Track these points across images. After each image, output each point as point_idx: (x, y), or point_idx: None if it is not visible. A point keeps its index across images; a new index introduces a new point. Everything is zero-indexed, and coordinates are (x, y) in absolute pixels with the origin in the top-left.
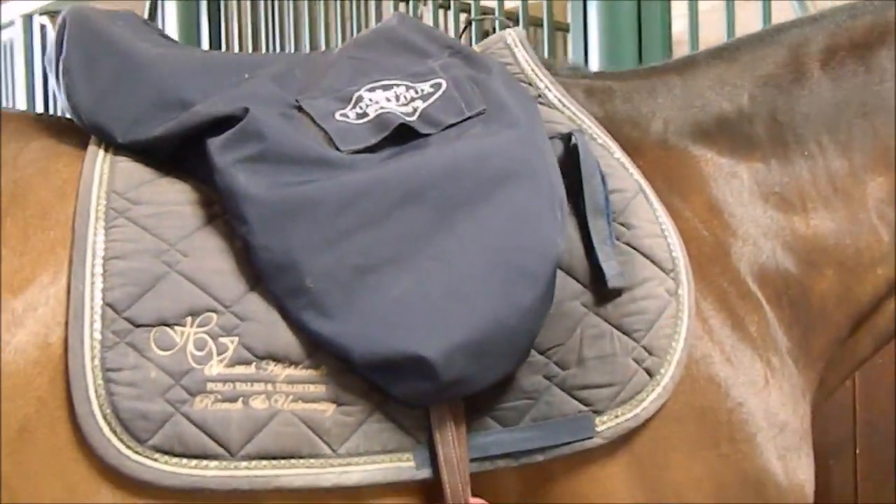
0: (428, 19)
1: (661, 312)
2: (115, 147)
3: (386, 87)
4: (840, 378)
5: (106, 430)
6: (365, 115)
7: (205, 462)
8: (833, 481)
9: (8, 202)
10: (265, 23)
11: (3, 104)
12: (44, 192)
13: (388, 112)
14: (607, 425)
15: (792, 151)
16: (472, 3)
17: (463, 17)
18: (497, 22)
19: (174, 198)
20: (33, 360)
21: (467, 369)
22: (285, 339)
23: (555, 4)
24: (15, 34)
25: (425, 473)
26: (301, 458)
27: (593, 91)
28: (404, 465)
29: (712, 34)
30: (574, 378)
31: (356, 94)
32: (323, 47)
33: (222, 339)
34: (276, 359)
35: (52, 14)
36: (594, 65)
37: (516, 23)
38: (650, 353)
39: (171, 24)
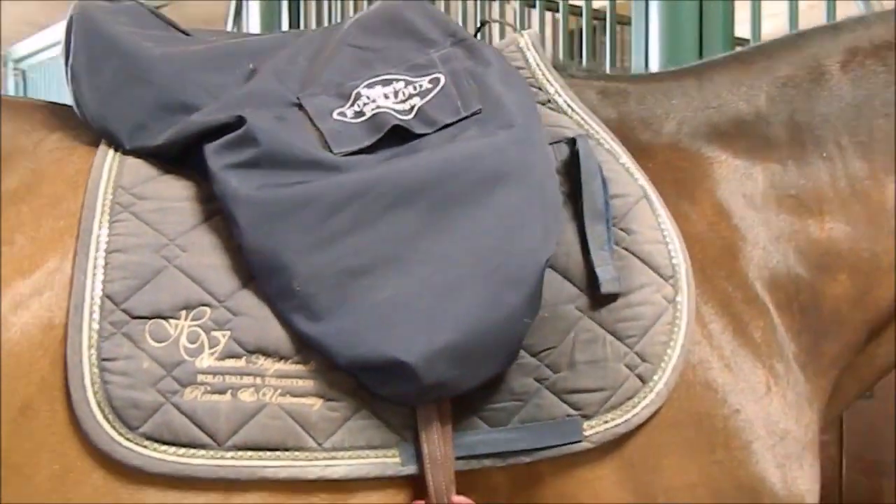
0: (512, 17)
1: (657, 319)
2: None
3: (385, 83)
4: (860, 387)
5: (99, 416)
6: (362, 113)
7: (192, 451)
8: (884, 500)
9: (25, 190)
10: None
11: None
12: (58, 182)
13: (384, 112)
14: (596, 430)
15: (810, 153)
16: (559, 2)
17: (549, 15)
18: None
19: (177, 194)
20: (37, 342)
21: (450, 373)
22: (276, 334)
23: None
24: None
25: (410, 470)
26: (286, 450)
27: (607, 93)
28: (389, 461)
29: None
30: (564, 381)
31: (355, 91)
32: None
33: (214, 333)
34: (266, 353)
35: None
36: (654, 62)
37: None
38: (643, 360)
39: (254, 23)
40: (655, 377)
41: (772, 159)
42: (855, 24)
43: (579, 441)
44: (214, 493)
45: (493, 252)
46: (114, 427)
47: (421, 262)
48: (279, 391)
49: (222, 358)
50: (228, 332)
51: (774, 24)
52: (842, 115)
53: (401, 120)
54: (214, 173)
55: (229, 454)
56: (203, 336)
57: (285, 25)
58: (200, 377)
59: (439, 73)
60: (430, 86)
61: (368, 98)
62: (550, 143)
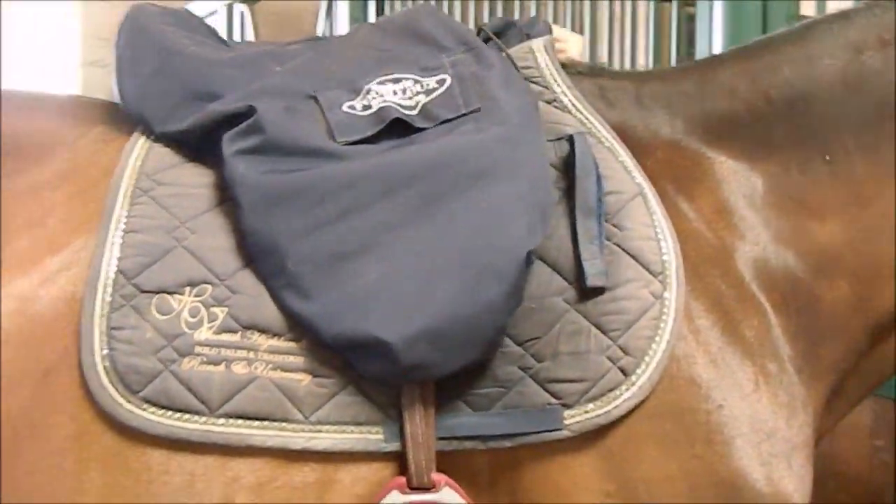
0: (648, 16)
1: (643, 314)
2: (156, 135)
3: (396, 81)
4: (864, 391)
5: (105, 380)
6: (369, 107)
7: (186, 416)
8: None
9: (62, 178)
10: None
11: None
12: (92, 170)
13: (389, 106)
14: (576, 419)
15: (813, 155)
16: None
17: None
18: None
19: (194, 181)
20: (62, 313)
21: (428, 355)
22: (270, 312)
23: None
24: (219, 22)
25: (393, 447)
26: (274, 420)
27: (609, 91)
28: (372, 438)
29: None
30: (547, 371)
31: (367, 87)
32: None
33: (214, 309)
34: (260, 329)
35: (250, 2)
36: (717, 41)
37: None
38: (626, 353)
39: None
40: (638, 371)
41: (774, 160)
42: (864, 15)
43: (559, 429)
44: (211, 458)
45: (475, 243)
46: (117, 390)
47: (406, 250)
48: (271, 366)
49: (219, 332)
50: (226, 309)
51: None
52: (847, 116)
53: (403, 114)
54: (226, 159)
55: (220, 421)
56: (203, 311)
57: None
58: (198, 348)
59: (446, 74)
60: (436, 85)
61: (377, 93)
62: (551, 140)
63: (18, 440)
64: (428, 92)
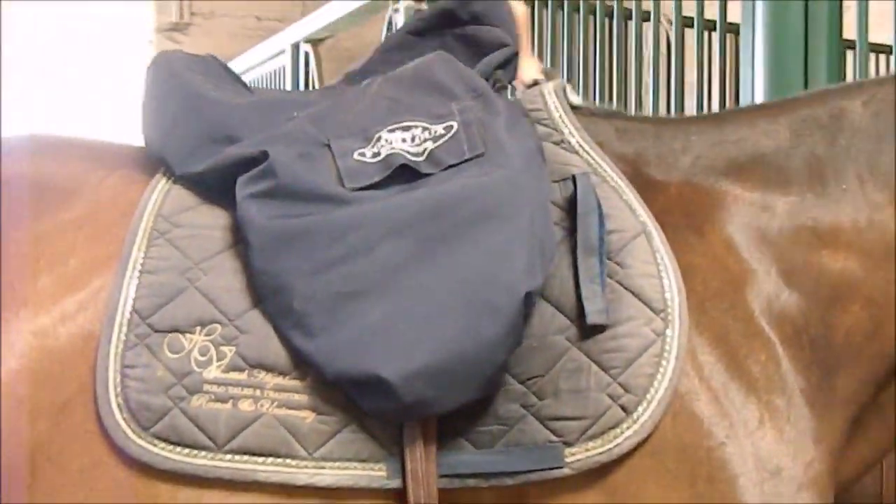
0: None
1: (643, 351)
2: (175, 176)
3: (406, 129)
4: (888, 434)
5: (118, 416)
6: (378, 154)
7: (195, 451)
8: None
9: (84, 219)
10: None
11: None
12: (113, 212)
13: (397, 153)
14: (577, 457)
15: (830, 185)
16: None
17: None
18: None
19: (209, 222)
20: (79, 350)
21: (427, 393)
22: (276, 351)
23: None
24: (285, 61)
25: (395, 483)
26: (279, 457)
27: (626, 130)
28: (375, 474)
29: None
30: (548, 408)
31: (377, 135)
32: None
33: (223, 348)
34: (267, 368)
35: (315, 42)
36: (759, 66)
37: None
38: (627, 391)
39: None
40: (640, 408)
41: (790, 192)
42: (878, 82)
43: (560, 467)
44: (217, 492)
45: (474, 283)
46: (129, 426)
47: (407, 291)
48: (276, 403)
49: (227, 371)
50: (235, 348)
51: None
52: (863, 147)
53: (410, 160)
54: (238, 202)
55: (227, 457)
56: (213, 350)
57: None
58: (206, 386)
59: (454, 121)
60: (443, 132)
61: (387, 141)
62: (557, 181)
63: (36, 471)
64: (436, 139)
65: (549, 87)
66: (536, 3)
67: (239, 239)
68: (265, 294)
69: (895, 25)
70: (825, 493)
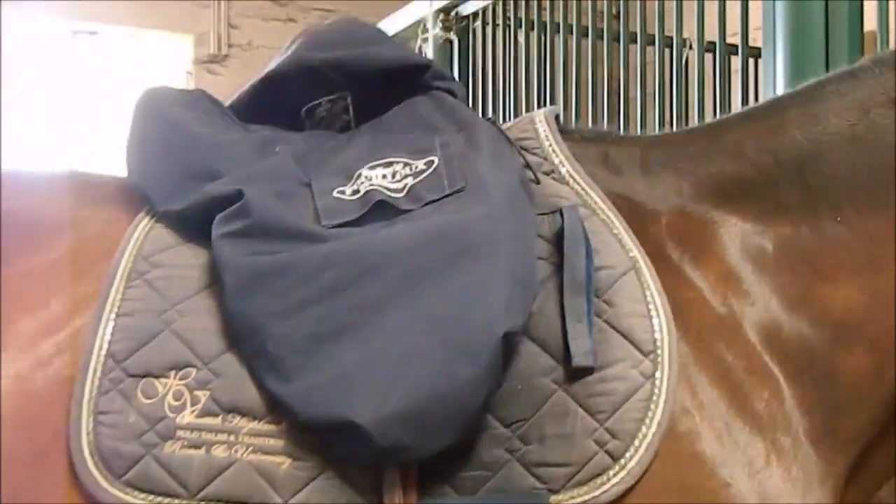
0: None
1: (631, 395)
2: (158, 214)
3: (387, 165)
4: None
5: (90, 463)
6: (357, 191)
7: (167, 500)
8: None
9: (68, 258)
10: (515, 62)
11: None
12: (96, 252)
13: (375, 189)
14: None
15: (824, 216)
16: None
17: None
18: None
19: (188, 262)
20: (55, 395)
21: (404, 437)
22: (251, 395)
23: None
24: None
25: None
26: None
27: (616, 156)
28: None
29: None
30: (533, 454)
31: (358, 172)
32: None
33: (197, 392)
34: (241, 413)
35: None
36: (781, 63)
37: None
38: (613, 437)
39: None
40: (627, 454)
41: (784, 223)
42: (872, 72)
43: None
44: None
45: (450, 323)
46: (101, 474)
47: (381, 331)
48: (251, 448)
49: (201, 416)
50: (209, 392)
51: None
52: (857, 175)
53: (388, 196)
54: (214, 240)
55: None
56: (187, 394)
57: (455, 64)
58: (179, 432)
59: (435, 156)
60: (424, 167)
61: (367, 178)
62: (544, 214)
63: None
64: (416, 174)
65: (540, 115)
66: (548, 28)
67: (217, 278)
68: (240, 335)
69: None
70: None
